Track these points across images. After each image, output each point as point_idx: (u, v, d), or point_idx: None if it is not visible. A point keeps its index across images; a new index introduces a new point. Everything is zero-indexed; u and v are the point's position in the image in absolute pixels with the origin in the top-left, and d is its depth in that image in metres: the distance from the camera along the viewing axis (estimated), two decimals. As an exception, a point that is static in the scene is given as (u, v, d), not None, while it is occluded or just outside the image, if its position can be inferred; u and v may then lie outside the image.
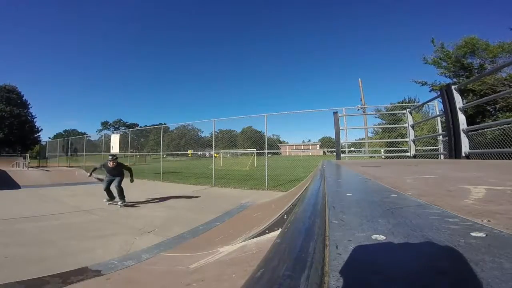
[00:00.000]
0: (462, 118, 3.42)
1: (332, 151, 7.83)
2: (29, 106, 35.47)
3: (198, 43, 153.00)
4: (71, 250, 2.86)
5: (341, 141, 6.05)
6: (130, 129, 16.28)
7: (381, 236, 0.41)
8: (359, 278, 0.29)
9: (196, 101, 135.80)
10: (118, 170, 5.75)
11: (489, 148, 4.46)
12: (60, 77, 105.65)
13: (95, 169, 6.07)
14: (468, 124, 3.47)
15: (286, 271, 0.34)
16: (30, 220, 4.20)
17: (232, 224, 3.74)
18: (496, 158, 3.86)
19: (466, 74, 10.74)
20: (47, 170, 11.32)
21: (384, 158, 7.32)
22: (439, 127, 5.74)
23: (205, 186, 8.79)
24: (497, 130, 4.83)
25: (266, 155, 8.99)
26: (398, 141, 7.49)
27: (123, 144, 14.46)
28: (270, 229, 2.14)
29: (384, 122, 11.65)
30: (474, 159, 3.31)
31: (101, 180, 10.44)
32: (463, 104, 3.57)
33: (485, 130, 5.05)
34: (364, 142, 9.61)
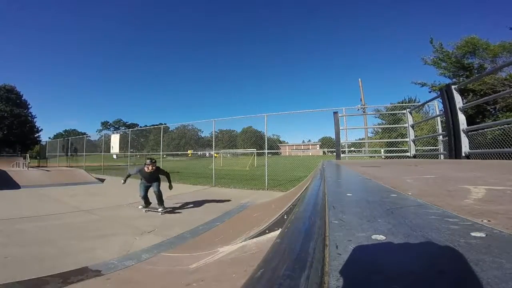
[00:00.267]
0: (462, 118, 3.42)
1: (332, 151, 7.83)
2: (29, 106, 35.53)
3: (198, 43, 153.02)
4: (71, 250, 2.86)
5: (341, 141, 6.05)
6: (130, 129, 16.29)
7: (381, 236, 0.41)
8: (359, 278, 0.29)
9: (196, 101, 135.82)
10: (156, 175, 5.24)
11: (489, 148, 4.46)
12: (60, 77, 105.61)
13: (129, 175, 5.45)
14: (468, 124, 3.47)
15: (286, 271, 0.34)
16: (30, 220, 4.20)
17: (232, 224, 3.74)
18: (496, 158, 3.86)
19: (466, 74, 10.74)
20: (47, 170, 11.32)
21: (384, 158, 7.32)
22: (439, 127, 5.74)
23: (205, 186, 8.79)
24: (497, 130, 4.83)
25: (266, 155, 8.99)
26: (398, 141, 7.50)
27: (123, 144, 14.47)
28: (270, 229, 2.14)
29: (384, 122, 11.65)
30: (474, 159, 3.31)
31: (101, 180, 10.44)
32: (463, 104, 3.57)
33: (485, 130, 5.06)
34: (364, 142, 9.62)
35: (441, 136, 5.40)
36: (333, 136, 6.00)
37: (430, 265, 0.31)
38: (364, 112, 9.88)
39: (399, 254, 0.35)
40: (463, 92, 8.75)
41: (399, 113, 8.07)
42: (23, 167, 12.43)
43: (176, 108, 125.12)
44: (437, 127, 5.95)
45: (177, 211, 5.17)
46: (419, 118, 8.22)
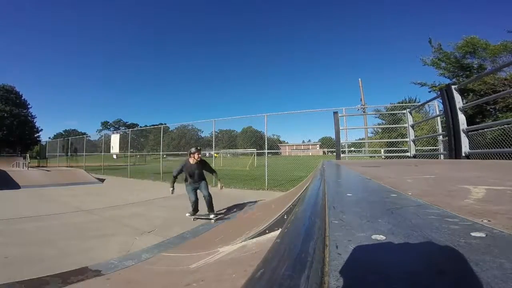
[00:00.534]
0: (462, 118, 3.42)
1: (332, 151, 7.83)
2: (29, 106, 35.52)
3: (198, 43, 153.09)
4: (71, 250, 2.86)
5: (341, 141, 6.05)
6: (130, 129, 16.29)
7: (381, 236, 0.41)
8: (359, 278, 0.29)
9: (196, 101, 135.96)
10: (201, 170, 4.52)
11: (489, 148, 4.46)
12: (60, 77, 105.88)
13: (175, 177, 4.52)
14: (468, 124, 3.47)
15: (286, 271, 0.34)
16: (30, 220, 4.20)
17: (232, 224, 3.74)
18: (496, 158, 3.86)
19: (466, 74, 10.74)
20: (47, 170, 11.32)
21: (384, 158, 7.32)
22: (439, 127, 5.74)
23: (205, 186, 8.78)
24: (497, 130, 4.82)
25: (266, 155, 8.99)
26: (398, 141, 7.50)
27: (123, 144, 14.47)
28: (270, 229, 2.14)
29: (384, 122, 11.65)
30: (474, 159, 3.31)
31: (101, 180, 10.44)
32: (463, 104, 3.57)
33: (485, 130, 5.05)
34: (364, 142, 9.62)
35: (441, 136, 5.40)
36: (333, 136, 6.00)
37: (430, 265, 0.31)
38: (364, 112, 9.89)
39: (399, 254, 0.35)
40: (463, 92, 8.74)
41: (399, 113, 8.08)
42: (23, 167, 12.43)
43: (176, 108, 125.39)
44: (437, 127, 5.95)
45: (226, 217, 4.56)
46: (419, 118, 8.22)
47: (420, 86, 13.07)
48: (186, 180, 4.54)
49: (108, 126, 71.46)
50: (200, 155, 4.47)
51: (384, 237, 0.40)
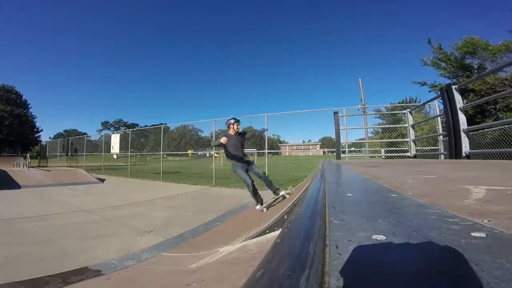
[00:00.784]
0: (462, 118, 3.42)
1: (332, 151, 7.83)
2: (29, 106, 35.56)
3: (198, 43, 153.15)
4: (71, 250, 2.86)
5: (341, 141, 6.05)
6: (130, 129, 16.30)
7: (381, 236, 0.41)
8: (359, 278, 0.29)
9: (196, 101, 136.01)
10: (241, 143, 3.99)
11: (489, 148, 4.46)
12: (60, 77, 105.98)
13: (216, 145, 4.09)
14: (468, 124, 3.47)
15: (286, 271, 0.34)
16: (31, 220, 4.20)
17: (232, 224, 3.74)
18: (497, 158, 3.86)
19: (466, 74, 10.73)
20: (48, 170, 11.32)
21: (385, 158, 7.32)
22: (440, 127, 5.73)
23: (206, 186, 8.79)
24: (498, 130, 4.82)
25: (266, 155, 8.99)
26: (398, 141, 7.49)
27: (123, 144, 14.47)
28: (270, 229, 2.14)
29: (384, 122, 11.64)
30: (475, 159, 3.31)
31: (101, 180, 10.44)
32: (464, 104, 3.56)
33: (486, 130, 5.05)
34: (364, 142, 9.61)
35: (441, 136, 5.39)
36: (333, 136, 6.00)
37: (430, 265, 0.31)
38: (364, 112, 9.87)
39: (400, 254, 0.35)
40: (463, 92, 8.73)
41: (399, 113, 8.07)
42: (23, 167, 12.43)
43: (176, 108, 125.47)
44: (437, 127, 5.95)
45: (287, 193, 4.01)
46: (420, 118, 8.21)
47: (420, 86, 13.07)
48: (231, 158, 3.94)
49: (108, 126, 71.49)
50: (238, 125, 3.99)
51: (384, 237, 0.40)
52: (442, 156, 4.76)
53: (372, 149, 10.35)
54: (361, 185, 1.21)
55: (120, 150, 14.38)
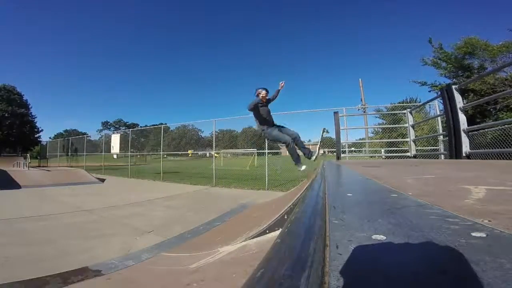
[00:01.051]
0: (462, 118, 3.42)
1: (332, 151, 7.83)
2: (30, 107, 35.56)
3: (198, 43, 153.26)
4: (71, 250, 2.86)
5: (342, 141, 6.05)
6: (130, 129, 16.31)
7: (381, 236, 0.41)
8: (359, 278, 0.29)
9: (196, 101, 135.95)
10: (269, 111, 4.04)
11: (489, 148, 4.46)
12: (60, 77, 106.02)
13: (254, 106, 3.91)
14: (468, 124, 3.47)
15: (286, 271, 0.34)
16: (31, 220, 4.20)
17: (232, 224, 3.74)
18: (497, 158, 3.86)
19: (466, 74, 10.72)
20: (48, 170, 11.33)
21: (385, 158, 7.32)
22: (440, 127, 5.73)
23: (206, 186, 8.80)
24: (498, 130, 4.82)
25: (266, 155, 8.99)
26: (398, 141, 7.50)
27: (123, 144, 14.48)
28: (271, 229, 2.14)
29: (384, 122, 11.65)
30: (475, 159, 3.31)
31: (101, 180, 10.44)
32: (464, 104, 3.56)
33: (486, 130, 5.05)
34: (364, 142, 9.61)
35: (441, 136, 5.39)
36: (333, 136, 6.00)
37: (430, 265, 0.31)
38: (364, 112, 9.88)
39: (400, 254, 0.35)
40: (463, 92, 8.73)
41: (399, 113, 8.07)
42: (23, 167, 12.44)
43: (176, 108, 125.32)
44: (437, 127, 5.95)
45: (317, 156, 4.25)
46: (420, 118, 8.21)
47: (420, 85, 13.06)
48: (265, 124, 4.01)
49: (108, 126, 71.48)
50: (267, 91, 4.04)
51: (384, 237, 0.40)
52: (442, 156, 4.77)
53: (372, 149, 10.35)
54: (361, 185, 1.21)
55: (120, 150, 14.38)
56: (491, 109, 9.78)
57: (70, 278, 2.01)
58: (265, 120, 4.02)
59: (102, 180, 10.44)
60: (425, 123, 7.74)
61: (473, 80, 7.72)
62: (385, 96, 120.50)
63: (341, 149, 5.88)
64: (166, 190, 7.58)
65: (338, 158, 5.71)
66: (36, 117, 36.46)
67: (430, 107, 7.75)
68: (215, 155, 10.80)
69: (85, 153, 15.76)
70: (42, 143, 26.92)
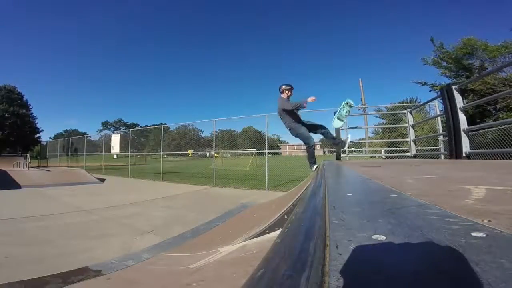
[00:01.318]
0: (462, 118, 3.42)
1: (332, 151, 7.82)
2: (30, 107, 35.54)
3: (198, 43, 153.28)
4: (71, 250, 2.86)
5: (342, 141, 6.02)
6: (130, 129, 16.31)
7: (381, 236, 0.41)
8: (359, 278, 0.29)
9: (196, 101, 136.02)
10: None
11: (489, 148, 4.46)
12: (60, 77, 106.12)
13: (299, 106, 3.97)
14: (468, 124, 3.47)
15: (286, 271, 0.34)
16: (31, 220, 4.20)
17: (232, 224, 3.73)
18: (497, 158, 3.86)
19: (466, 74, 10.72)
20: (48, 170, 11.33)
21: (385, 158, 7.32)
22: (440, 127, 5.73)
23: (206, 186, 8.79)
24: (498, 130, 4.82)
25: (266, 155, 8.99)
26: (398, 141, 7.49)
27: (123, 144, 14.48)
28: (271, 229, 2.14)
29: (384, 122, 11.64)
30: (475, 159, 3.31)
31: (101, 180, 10.43)
32: (464, 104, 3.56)
33: (486, 130, 5.05)
34: (364, 142, 9.61)
35: (441, 136, 5.39)
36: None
37: (430, 265, 0.31)
38: (364, 112, 9.87)
39: (400, 254, 0.35)
40: (463, 92, 8.73)
41: (399, 113, 8.06)
42: (23, 167, 12.43)
43: (176, 108, 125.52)
44: (437, 127, 5.94)
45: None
46: (420, 118, 8.20)
47: (420, 85, 13.05)
48: (296, 121, 4.08)
49: (108, 126, 71.56)
50: (291, 91, 4.19)
51: (384, 237, 0.40)
52: (442, 156, 4.76)
53: (372, 149, 10.35)
54: (361, 185, 1.21)
55: (120, 150, 14.38)
56: (491, 109, 9.78)
57: (70, 278, 2.01)
58: (295, 116, 4.11)
59: (102, 180, 10.44)
60: (425, 123, 7.73)
61: (473, 80, 7.71)
62: (385, 96, 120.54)
63: (341, 149, 5.87)
64: (166, 190, 7.58)
65: (338, 158, 5.71)
66: (36, 118, 36.46)
67: (430, 107, 7.74)
68: (215, 155, 10.80)
69: (85, 153, 15.76)
70: (42, 143, 26.92)
